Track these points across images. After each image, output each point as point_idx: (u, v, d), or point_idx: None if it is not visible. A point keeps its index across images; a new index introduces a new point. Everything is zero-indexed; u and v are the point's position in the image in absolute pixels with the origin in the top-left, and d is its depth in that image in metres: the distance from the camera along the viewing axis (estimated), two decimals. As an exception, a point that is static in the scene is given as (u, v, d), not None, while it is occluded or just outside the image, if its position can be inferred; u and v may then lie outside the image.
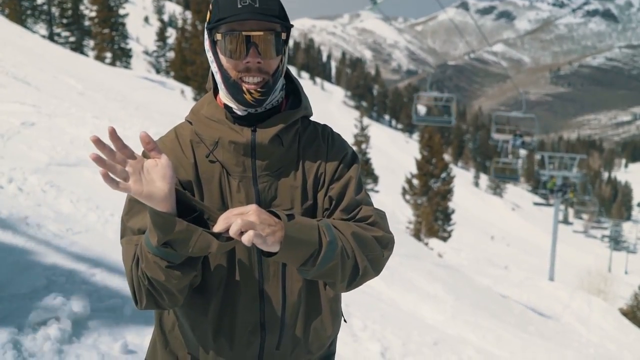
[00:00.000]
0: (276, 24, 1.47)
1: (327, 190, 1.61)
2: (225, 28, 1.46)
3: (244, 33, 1.43)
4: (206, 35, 1.55)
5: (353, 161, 1.68)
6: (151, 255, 1.40)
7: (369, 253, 1.54)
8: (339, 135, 1.73)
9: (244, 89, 1.48)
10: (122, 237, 1.57)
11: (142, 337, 3.82)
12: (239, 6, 1.43)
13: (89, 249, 5.30)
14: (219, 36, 1.47)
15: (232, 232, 1.31)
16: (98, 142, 1.27)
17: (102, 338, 3.62)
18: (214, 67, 1.54)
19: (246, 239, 1.31)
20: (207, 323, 1.59)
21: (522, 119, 32.46)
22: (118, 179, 1.31)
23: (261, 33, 1.44)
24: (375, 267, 1.58)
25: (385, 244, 1.60)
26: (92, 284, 4.34)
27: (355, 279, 1.53)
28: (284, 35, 1.50)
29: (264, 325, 1.59)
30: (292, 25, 1.53)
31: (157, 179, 1.34)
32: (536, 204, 45.51)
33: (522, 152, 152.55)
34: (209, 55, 1.55)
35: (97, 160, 1.28)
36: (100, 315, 3.90)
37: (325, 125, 1.72)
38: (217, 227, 1.34)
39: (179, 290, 1.48)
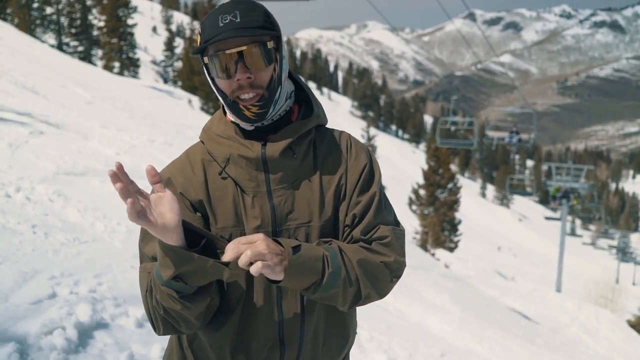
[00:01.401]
0: (261, 35, 1.46)
1: (349, 203, 1.59)
2: (211, 50, 1.46)
3: (227, 51, 1.43)
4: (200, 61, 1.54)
5: (375, 172, 1.65)
6: (164, 288, 1.41)
7: (375, 280, 1.55)
8: (358, 142, 1.69)
9: (241, 106, 1.48)
10: (140, 263, 1.59)
11: (148, 347, 3.81)
12: (221, 24, 1.42)
13: (96, 258, 5.30)
14: (206, 59, 1.48)
15: (242, 264, 1.33)
16: (115, 176, 1.29)
17: (108, 348, 3.61)
18: (214, 89, 1.54)
19: (254, 270, 1.32)
20: (225, 339, 1.58)
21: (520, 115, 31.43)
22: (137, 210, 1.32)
23: (244, 48, 1.43)
24: (380, 291, 1.58)
25: (395, 269, 1.59)
26: (99, 294, 4.33)
27: (356, 303, 1.55)
28: (271, 44, 1.47)
29: (283, 341, 1.58)
30: (279, 33, 1.51)
31: (166, 212, 1.34)
32: (547, 218, 45.12)
33: (529, 163, 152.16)
34: (208, 79, 1.55)
35: (123, 190, 1.29)
36: (106, 325, 3.90)
37: (343, 132, 1.70)
38: (227, 257, 1.35)
39: (196, 317, 1.49)
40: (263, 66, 1.46)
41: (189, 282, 1.39)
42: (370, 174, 1.63)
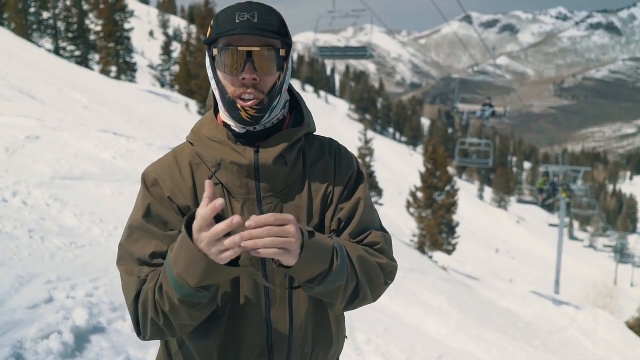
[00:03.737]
0: (275, 40, 1.44)
1: (335, 210, 1.58)
2: (222, 43, 1.43)
3: (240, 48, 1.40)
4: (206, 52, 1.52)
5: (361, 179, 1.64)
6: (179, 301, 1.36)
7: (372, 279, 1.54)
8: (345, 149, 1.69)
9: (239, 106, 1.45)
10: (119, 262, 1.54)
11: (144, 351, 3.81)
12: (237, 21, 1.40)
13: (92, 262, 5.30)
14: (216, 51, 1.44)
15: (267, 253, 1.27)
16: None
17: (105, 352, 3.61)
18: (213, 84, 1.51)
19: (268, 254, 1.28)
20: (212, 347, 1.55)
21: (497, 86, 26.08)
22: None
23: (257, 48, 1.40)
24: (375, 293, 1.57)
25: (389, 272, 1.59)
26: (95, 298, 4.33)
27: (353, 303, 1.53)
28: (282, 52, 1.45)
29: (271, 349, 1.56)
30: (292, 43, 1.50)
31: None
32: (552, 225, 44.62)
33: (526, 165, 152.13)
34: (209, 72, 1.52)
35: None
36: (103, 329, 3.90)
37: (331, 140, 1.68)
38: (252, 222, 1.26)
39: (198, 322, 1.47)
40: (271, 71, 1.44)
41: (211, 290, 1.36)
42: (357, 181, 1.63)
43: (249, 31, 1.39)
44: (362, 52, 17.90)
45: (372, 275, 1.54)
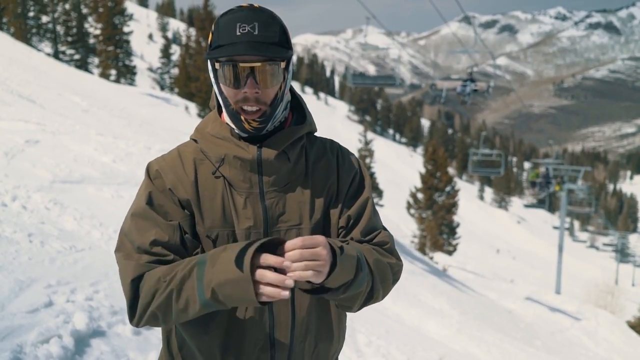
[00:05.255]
0: (275, 54, 1.44)
1: (342, 207, 1.62)
2: (224, 57, 1.45)
3: (241, 64, 1.42)
4: (208, 62, 1.54)
5: (365, 178, 1.69)
6: (201, 308, 1.41)
7: (385, 280, 1.59)
8: (347, 150, 1.72)
9: (242, 118, 1.48)
10: (118, 249, 1.55)
11: (144, 355, 3.81)
12: (238, 33, 1.41)
13: (92, 266, 5.30)
14: (217, 65, 1.46)
15: (298, 276, 1.31)
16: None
17: (105, 356, 3.61)
18: (216, 90, 1.54)
19: (301, 277, 1.31)
20: (214, 343, 1.57)
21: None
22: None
23: (259, 64, 1.42)
24: (385, 292, 1.62)
25: (397, 271, 1.64)
26: (95, 302, 4.33)
27: (366, 304, 1.59)
28: (283, 64, 1.47)
29: (273, 343, 1.58)
30: (293, 52, 1.51)
31: None
32: (555, 227, 44.48)
33: (526, 165, 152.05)
34: (212, 81, 1.54)
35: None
36: (103, 333, 3.90)
37: (332, 140, 1.72)
38: (289, 266, 1.31)
39: None
40: (272, 84, 1.46)
41: None
42: (361, 180, 1.68)
43: (250, 48, 1.41)
44: (392, 81, 20.07)
45: (385, 276, 1.59)
